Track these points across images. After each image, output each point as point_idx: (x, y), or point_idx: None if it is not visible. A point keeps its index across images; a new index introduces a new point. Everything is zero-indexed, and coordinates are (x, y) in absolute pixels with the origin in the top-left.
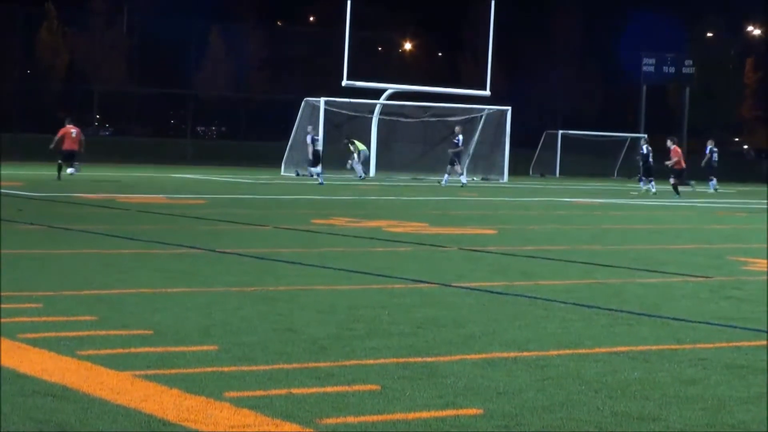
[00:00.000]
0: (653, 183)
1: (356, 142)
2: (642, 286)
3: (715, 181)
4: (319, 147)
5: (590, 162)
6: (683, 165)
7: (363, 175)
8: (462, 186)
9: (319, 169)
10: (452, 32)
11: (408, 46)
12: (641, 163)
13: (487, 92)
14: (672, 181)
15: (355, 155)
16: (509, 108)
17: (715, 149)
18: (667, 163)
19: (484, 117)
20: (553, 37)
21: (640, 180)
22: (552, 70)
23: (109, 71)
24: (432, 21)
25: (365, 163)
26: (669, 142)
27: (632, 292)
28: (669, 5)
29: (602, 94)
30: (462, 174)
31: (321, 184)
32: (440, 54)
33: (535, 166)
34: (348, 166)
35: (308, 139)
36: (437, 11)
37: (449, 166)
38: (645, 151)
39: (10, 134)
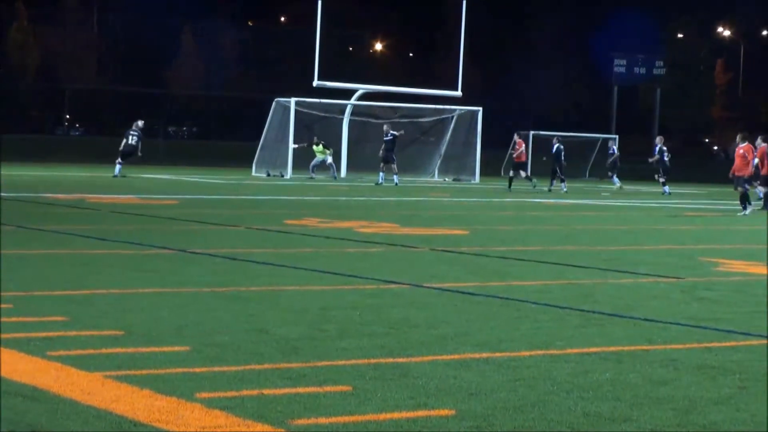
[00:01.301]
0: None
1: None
2: (614, 287)
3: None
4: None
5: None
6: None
7: (336, 176)
8: (396, 185)
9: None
10: (424, 32)
11: (379, 46)
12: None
13: (459, 92)
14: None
15: (329, 156)
16: (480, 108)
17: (665, 147)
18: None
19: (455, 117)
20: (526, 38)
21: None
22: (524, 71)
23: (80, 70)
24: (404, 21)
25: (320, 166)
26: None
27: (604, 292)
28: (641, 6)
29: (574, 94)
30: (396, 173)
31: (335, 177)
32: (411, 54)
33: (507, 166)
34: (312, 168)
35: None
36: (409, 11)
37: (383, 164)
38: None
39: None
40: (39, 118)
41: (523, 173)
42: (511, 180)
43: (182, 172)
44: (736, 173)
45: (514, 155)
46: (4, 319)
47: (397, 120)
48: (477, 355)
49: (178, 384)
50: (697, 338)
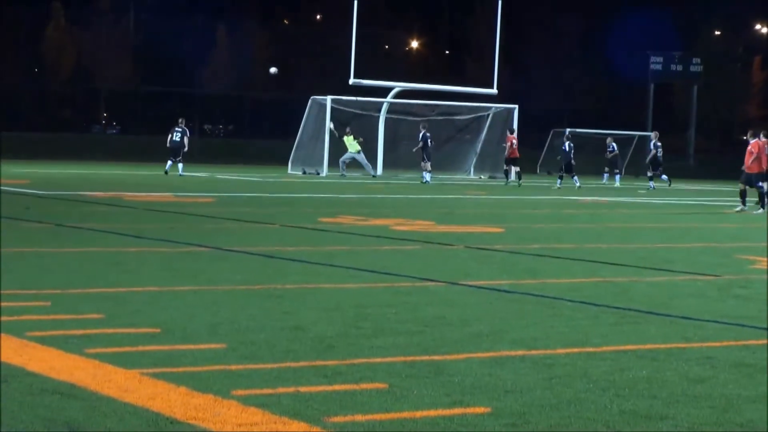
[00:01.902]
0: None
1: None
2: (649, 285)
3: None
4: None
5: (598, 160)
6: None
7: (374, 173)
8: (424, 183)
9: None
10: (459, 30)
11: (415, 44)
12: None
13: (494, 90)
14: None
15: (359, 151)
16: (516, 106)
17: (659, 143)
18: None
19: (491, 115)
20: (561, 35)
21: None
22: (560, 68)
23: (116, 70)
24: (439, 19)
25: (351, 164)
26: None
27: (639, 290)
28: (677, 3)
29: (609, 92)
30: (429, 171)
31: (374, 175)
32: (447, 52)
33: (543, 164)
34: (342, 166)
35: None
36: (444, 9)
37: (423, 163)
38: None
39: (17, 133)
40: (75, 117)
41: (514, 169)
42: (506, 173)
43: (218, 170)
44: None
45: (507, 152)
46: (41, 317)
47: (433, 118)
48: (512, 353)
49: (215, 381)
50: (733, 336)
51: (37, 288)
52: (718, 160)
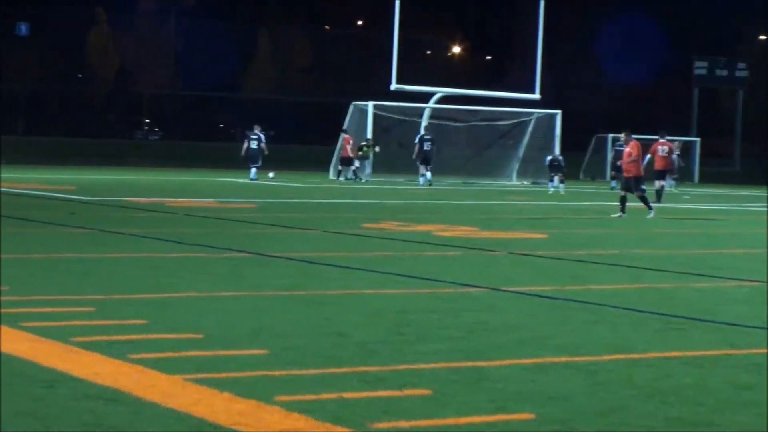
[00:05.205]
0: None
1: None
2: (694, 291)
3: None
4: (427, 147)
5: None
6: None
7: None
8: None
9: (424, 170)
10: (501, 35)
11: (456, 49)
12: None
13: (537, 95)
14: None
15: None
16: (559, 112)
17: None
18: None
19: (533, 121)
20: (603, 39)
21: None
22: (601, 72)
23: (158, 74)
24: (480, 24)
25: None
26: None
27: (684, 296)
28: (721, 7)
29: (653, 97)
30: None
31: (429, 183)
32: (489, 57)
33: (586, 169)
34: (356, 168)
35: (416, 139)
36: (485, 14)
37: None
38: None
39: (60, 138)
40: (117, 123)
41: (341, 167)
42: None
43: (259, 176)
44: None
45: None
46: (85, 323)
47: (475, 123)
48: (555, 359)
49: (257, 387)
50: None
51: (81, 294)
52: (763, 166)
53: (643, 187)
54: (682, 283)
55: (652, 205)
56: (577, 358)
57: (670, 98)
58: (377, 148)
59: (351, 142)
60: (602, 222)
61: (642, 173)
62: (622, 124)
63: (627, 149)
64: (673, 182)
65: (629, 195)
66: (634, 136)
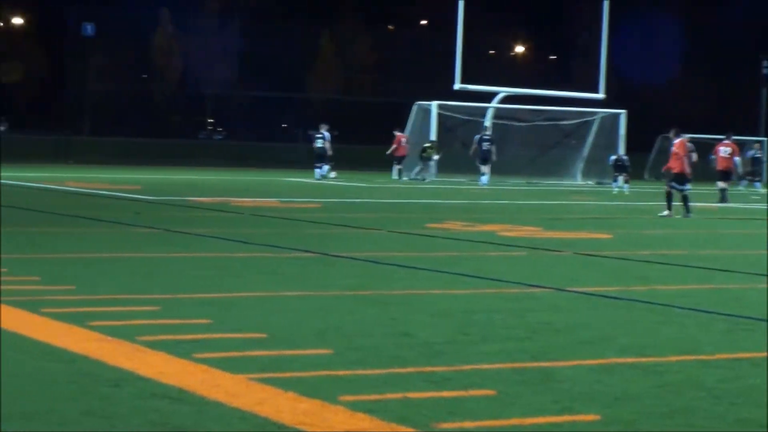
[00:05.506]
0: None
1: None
2: (763, 292)
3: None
4: (486, 147)
5: (707, 166)
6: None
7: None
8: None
9: (485, 169)
10: (564, 34)
11: (520, 48)
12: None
13: (601, 95)
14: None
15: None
16: (624, 111)
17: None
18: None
19: (598, 120)
20: (668, 38)
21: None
22: (665, 72)
23: (221, 75)
24: (543, 23)
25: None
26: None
27: (752, 297)
28: None
29: (718, 96)
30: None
31: (484, 183)
32: (553, 57)
33: (651, 169)
34: (419, 170)
35: (475, 138)
36: (548, 13)
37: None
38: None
39: (125, 138)
40: (181, 123)
41: (398, 166)
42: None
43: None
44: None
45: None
46: (151, 322)
47: (540, 122)
48: (621, 360)
49: (322, 387)
50: None
51: (147, 293)
52: None
53: (688, 186)
54: (750, 284)
55: (691, 207)
56: (643, 359)
57: (738, 98)
58: (436, 157)
59: (403, 140)
60: (667, 222)
61: (686, 171)
62: (688, 125)
63: (674, 147)
64: (746, 182)
65: (676, 193)
66: (699, 136)
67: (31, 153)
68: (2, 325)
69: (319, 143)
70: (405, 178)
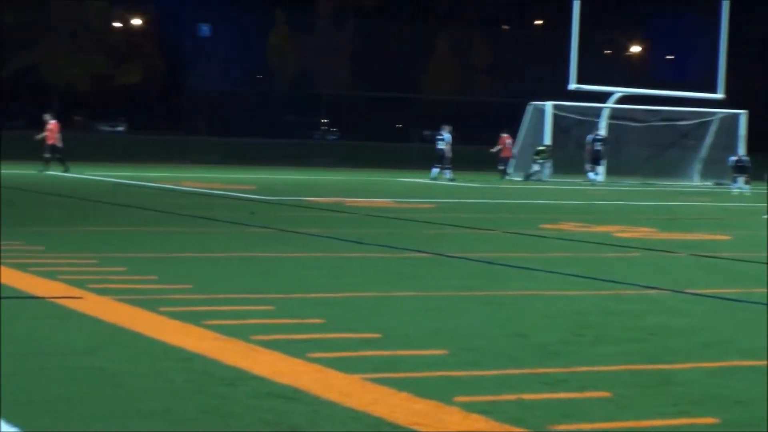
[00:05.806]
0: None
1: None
2: None
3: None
4: (599, 147)
5: None
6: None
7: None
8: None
9: (599, 170)
10: (680, 33)
11: (636, 48)
12: None
13: (720, 95)
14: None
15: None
16: (744, 112)
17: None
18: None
19: (717, 121)
20: None
21: None
22: None
23: (336, 75)
24: (659, 22)
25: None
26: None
27: None
28: None
29: None
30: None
31: (594, 183)
32: (670, 57)
33: None
34: (536, 171)
35: (588, 138)
36: (664, 12)
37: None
38: None
39: (240, 138)
40: (296, 123)
41: (501, 167)
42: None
43: (438, 176)
44: None
45: (494, 149)
46: (265, 321)
47: (657, 123)
48: (742, 363)
49: (437, 387)
50: None
51: (261, 292)
52: None
53: None
54: None
55: None
56: (763, 362)
57: None
58: (548, 162)
59: (508, 141)
60: None
61: None
62: None
63: None
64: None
65: None
66: None
67: (149, 153)
68: (122, 324)
69: (440, 144)
70: (511, 178)
